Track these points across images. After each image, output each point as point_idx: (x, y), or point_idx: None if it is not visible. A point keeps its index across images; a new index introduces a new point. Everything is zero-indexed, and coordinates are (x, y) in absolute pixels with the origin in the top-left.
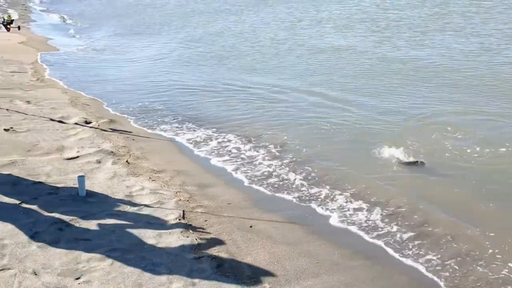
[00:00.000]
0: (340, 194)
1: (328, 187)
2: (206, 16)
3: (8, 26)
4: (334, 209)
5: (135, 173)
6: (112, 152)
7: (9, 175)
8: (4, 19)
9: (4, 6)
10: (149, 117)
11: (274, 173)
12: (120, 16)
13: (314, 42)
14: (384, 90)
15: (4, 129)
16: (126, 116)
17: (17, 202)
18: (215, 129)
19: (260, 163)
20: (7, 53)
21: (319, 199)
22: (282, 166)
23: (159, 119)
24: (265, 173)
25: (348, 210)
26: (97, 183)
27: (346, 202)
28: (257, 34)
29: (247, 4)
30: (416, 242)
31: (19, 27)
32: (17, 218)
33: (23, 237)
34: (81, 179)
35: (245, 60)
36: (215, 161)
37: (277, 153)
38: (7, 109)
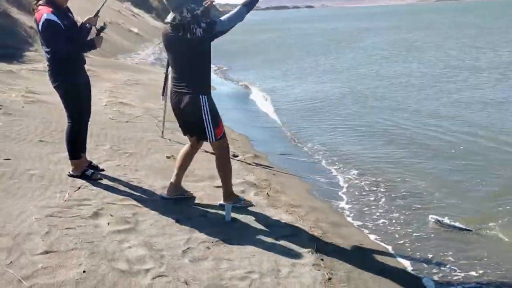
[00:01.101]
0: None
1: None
2: (353, 56)
3: None
4: None
5: (274, 205)
6: (255, 184)
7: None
8: None
9: None
10: (291, 155)
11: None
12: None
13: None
14: None
15: (167, 156)
16: (269, 153)
17: (175, 220)
18: (355, 171)
19: (397, 216)
20: None
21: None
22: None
23: (301, 157)
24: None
25: None
26: (241, 212)
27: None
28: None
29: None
30: None
31: None
32: (174, 234)
33: (178, 251)
34: (228, 206)
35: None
36: (351, 202)
37: (416, 206)
38: (169, 139)
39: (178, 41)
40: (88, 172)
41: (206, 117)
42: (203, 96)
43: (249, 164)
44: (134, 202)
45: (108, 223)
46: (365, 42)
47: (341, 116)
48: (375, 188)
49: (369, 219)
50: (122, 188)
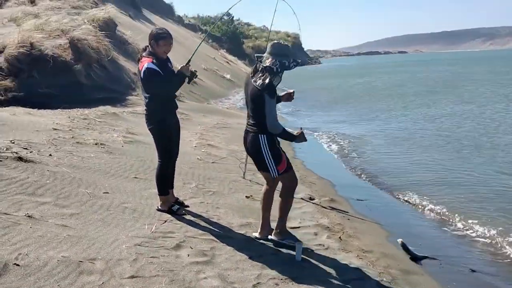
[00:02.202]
0: None
1: None
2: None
3: None
4: None
5: (346, 249)
6: (328, 227)
7: (244, 234)
8: None
9: None
10: (371, 200)
11: None
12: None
13: None
14: None
15: (246, 196)
16: (346, 197)
17: (248, 256)
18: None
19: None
20: None
21: None
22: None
23: (382, 204)
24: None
25: None
26: (312, 254)
27: None
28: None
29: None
30: None
31: None
32: (247, 269)
33: (248, 285)
34: (298, 246)
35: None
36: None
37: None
38: (250, 180)
39: (250, 83)
40: (174, 208)
41: (267, 154)
42: (262, 135)
43: (325, 207)
44: (213, 237)
45: (188, 255)
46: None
47: (433, 168)
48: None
49: (445, 271)
50: (203, 223)
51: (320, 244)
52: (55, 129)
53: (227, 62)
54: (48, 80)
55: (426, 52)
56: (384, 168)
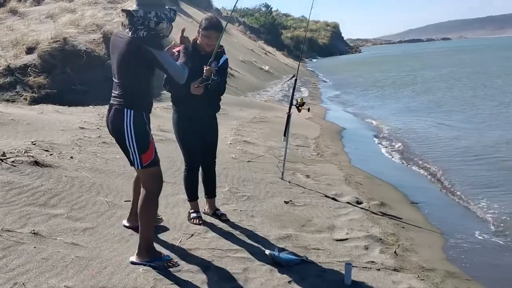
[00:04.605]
0: None
1: None
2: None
3: (300, 107)
4: None
5: (403, 267)
6: (381, 239)
7: (283, 249)
8: (297, 101)
9: (298, 84)
10: (428, 204)
11: None
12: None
13: None
14: None
15: (285, 201)
16: (399, 200)
17: (287, 281)
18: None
19: None
20: (294, 127)
21: None
22: None
23: (442, 207)
24: None
25: None
26: (363, 274)
27: None
28: None
29: None
30: None
31: (308, 109)
32: None
33: None
34: (348, 267)
35: None
36: None
37: None
38: (289, 181)
39: (117, 39)
40: (218, 212)
41: (129, 135)
42: (129, 110)
43: (375, 213)
44: (246, 254)
45: (216, 279)
46: None
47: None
48: None
49: None
50: (235, 237)
51: (372, 262)
52: (82, 127)
53: (265, 53)
54: (81, 76)
55: (471, 38)
56: (448, 167)
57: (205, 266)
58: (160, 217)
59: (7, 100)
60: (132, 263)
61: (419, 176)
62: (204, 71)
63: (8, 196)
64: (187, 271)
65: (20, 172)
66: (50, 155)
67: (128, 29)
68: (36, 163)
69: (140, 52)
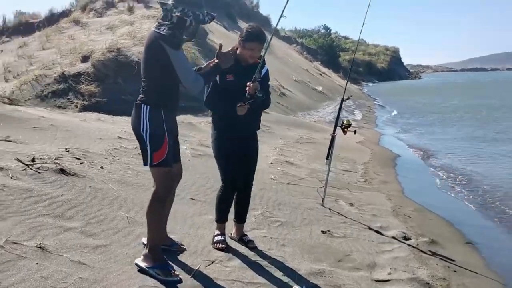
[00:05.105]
0: None
1: None
2: None
3: (346, 129)
4: None
5: None
6: (428, 283)
7: (313, 286)
8: (343, 123)
9: (352, 107)
10: (484, 245)
11: None
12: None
13: None
14: None
15: (322, 231)
16: (452, 238)
17: None
18: None
19: None
20: (343, 151)
21: None
22: None
23: (493, 249)
24: None
25: None
26: None
27: None
28: None
29: None
30: None
31: (355, 132)
32: None
33: None
34: None
35: None
36: None
37: None
38: (330, 209)
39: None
40: (245, 238)
41: (144, 130)
42: (146, 105)
43: (423, 252)
44: None
45: None
46: None
47: None
48: None
49: None
50: (260, 267)
51: None
52: (120, 137)
53: (320, 74)
54: (132, 86)
55: None
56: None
57: None
58: (183, 246)
59: (59, 107)
60: (136, 264)
61: (480, 213)
62: (247, 89)
63: (23, 205)
64: None
65: (43, 180)
66: (81, 163)
67: (156, 23)
68: (62, 171)
69: (157, 48)
